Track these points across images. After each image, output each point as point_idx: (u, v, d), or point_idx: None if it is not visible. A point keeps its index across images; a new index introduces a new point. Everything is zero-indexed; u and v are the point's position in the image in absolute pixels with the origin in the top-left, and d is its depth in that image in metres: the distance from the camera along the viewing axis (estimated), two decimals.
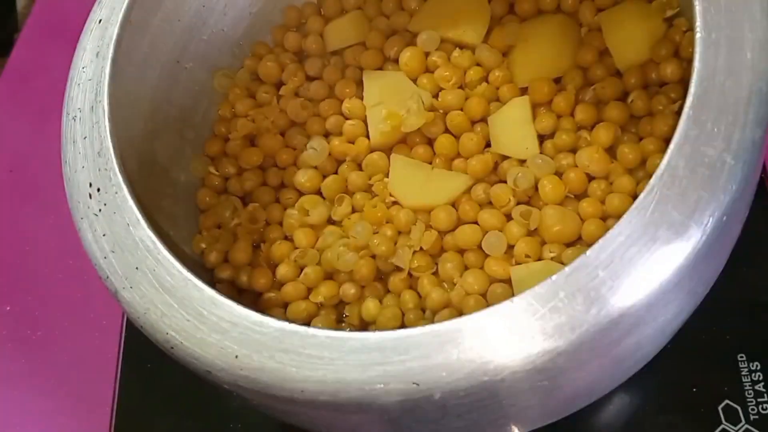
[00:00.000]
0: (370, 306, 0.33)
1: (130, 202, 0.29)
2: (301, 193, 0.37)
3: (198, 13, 0.39)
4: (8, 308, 0.46)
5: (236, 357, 0.26)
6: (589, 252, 0.25)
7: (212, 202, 0.38)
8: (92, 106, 0.31)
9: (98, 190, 0.30)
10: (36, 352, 0.44)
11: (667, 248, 0.25)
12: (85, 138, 0.31)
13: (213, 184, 0.38)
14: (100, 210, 0.29)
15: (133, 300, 0.28)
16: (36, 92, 0.53)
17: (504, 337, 0.24)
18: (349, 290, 0.34)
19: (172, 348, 0.27)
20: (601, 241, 0.25)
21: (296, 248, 0.36)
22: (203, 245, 0.36)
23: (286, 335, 0.26)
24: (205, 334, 0.26)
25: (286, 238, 0.37)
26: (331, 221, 0.37)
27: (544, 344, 0.24)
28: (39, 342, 0.44)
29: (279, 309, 0.35)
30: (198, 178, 0.39)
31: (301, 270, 0.35)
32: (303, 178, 0.37)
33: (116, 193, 0.29)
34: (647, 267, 0.25)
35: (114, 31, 0.33)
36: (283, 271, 0.35)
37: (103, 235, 0.29)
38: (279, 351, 0.26)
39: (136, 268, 0.28)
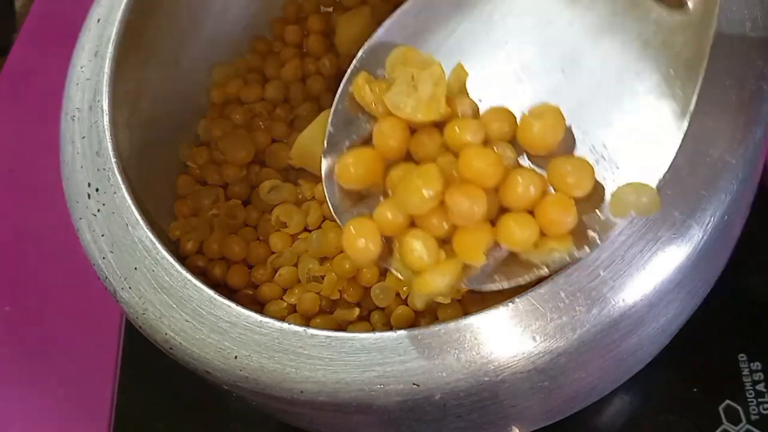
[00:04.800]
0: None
1: (129, 203, 0.29)
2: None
3: (197, 12, 0.38)
4: (7, 308, 0.46)
5: (235, 357, 0.26)
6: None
7: (192, 189, 0.37)
8: (91, 106, 0.31)
9: (97, 190, 0.30)
10: (35, 352, 0.44)
11: (668, 248, 0.25)
12: (83, 138, 0.31)
13: (195, 173, 0.38)
14: (98, 210, 0.29)
15: (132, 300, 0.28)
16: (35, 92, 0.53)
17: (504, 338, 0.24)
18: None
19: (171, 348, 0.27)
20: None
21: (272, 252, 0.35)
22: (177, 232, 0.35)
23: (286, 335, 0.26)
24: (204, 334, 0.26)
25: (259, 239, 0.36)
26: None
27: (545, 344, 0.24)
28: (38, 342, 0.44)
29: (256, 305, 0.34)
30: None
31: (276, 271, 0.34)
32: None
33: (115, 193, 0.29)
34: (648, 266, 0.24)
35: (113, 30, 0.33)
36: (258, 273, 0.35)
37: (102, 235, 0.29)
38: (278, 351, 0.25)
39: (135, 269, 0.28)
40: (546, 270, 0.25)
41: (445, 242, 0.25)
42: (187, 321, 0.27)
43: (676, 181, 0.25)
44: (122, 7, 0.33)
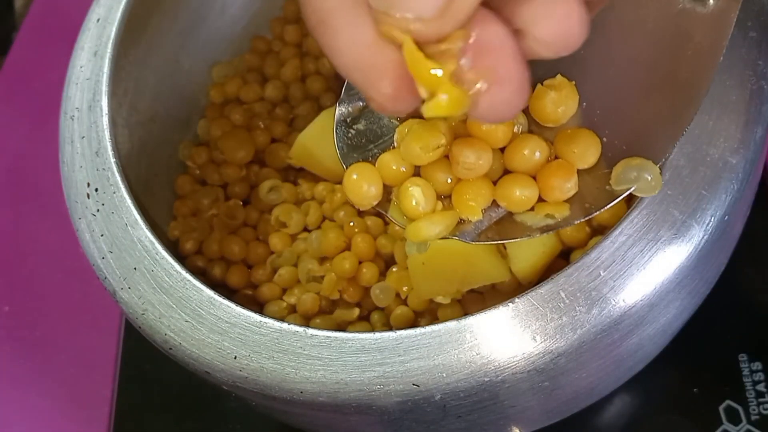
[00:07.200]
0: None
1: (128, 202, 0.29)
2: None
3: (196, 11, 0.38)
4: (7, 309, 0.45)
5: (235, 358, 0.26)
6: (590, 251, 0.25)
7: (191, 189, 0.37)
8: (90, 106, 0.31)
9: (96, 190, 0.30)
10: (34, 352, 0.44)
11: (668, 248, 0.25)
12: (83, 138, 0.31)
13: (194, 173, 0.38)
14: (98, 210, 0.29)
15: (132, 300, 0.28)
16: (34, 91, 0.53)
17: (504, 338, 0.24)
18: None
19: (170, 349, 0.27)
20: (602, 240, 0.25)
21: (272, 252, 0.35)
22: (176, 232, 0.35)
23: (285, 336, 0.26)
24: (204, 334, 0.26)
25: (258, 239, 0.36)
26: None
27: (545, 345, 0.24)
28: (38, 342, 0.44)
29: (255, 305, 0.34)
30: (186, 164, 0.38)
31: (276, 271, 0.34)
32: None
33: (114, 193, 0.29)
34: (649, 267, 0.24)
35: (112, 30, 0.32)
36: (258, 273, 0.35)
37: (101, 235, 0.29)
38: (278, 352, 0.25)
39: (134, 269, 0.28)
40: (538, 234, 0.25)
41: (445, 198, 0.26)
42: (186, 321, 0.27)
43: (676, 181, 0.25)
44: (122, 7, 0.33)
